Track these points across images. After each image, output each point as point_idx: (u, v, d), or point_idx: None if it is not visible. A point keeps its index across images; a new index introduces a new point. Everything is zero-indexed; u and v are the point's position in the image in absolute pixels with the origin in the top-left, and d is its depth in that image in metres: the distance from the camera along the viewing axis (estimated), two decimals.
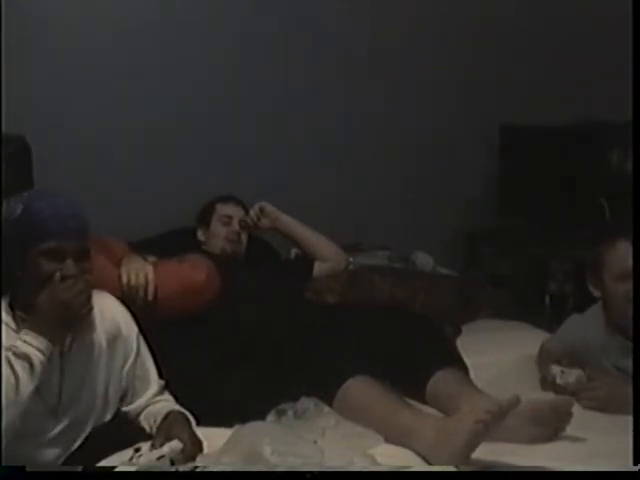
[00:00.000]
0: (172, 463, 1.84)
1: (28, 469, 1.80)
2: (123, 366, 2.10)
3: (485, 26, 3.97)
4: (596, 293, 2.56)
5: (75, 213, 1.99)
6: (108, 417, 2.07)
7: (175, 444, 1.87)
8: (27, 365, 1.85)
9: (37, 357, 1.87)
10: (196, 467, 1.88)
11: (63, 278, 1.92)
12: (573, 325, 2.67)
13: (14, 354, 1.86)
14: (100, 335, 2.06)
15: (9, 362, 1.85)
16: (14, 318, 1.97)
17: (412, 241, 3.74)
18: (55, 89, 3.39)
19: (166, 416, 2.05)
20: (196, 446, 1.96)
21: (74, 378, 2.00)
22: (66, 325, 1.94)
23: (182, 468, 1.86)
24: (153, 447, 1.87)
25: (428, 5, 3.92)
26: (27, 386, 1.85)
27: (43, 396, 1.94)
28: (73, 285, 1.92)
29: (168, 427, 1.98)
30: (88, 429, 2.02)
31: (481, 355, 2.72)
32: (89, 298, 1.97)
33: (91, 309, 1.99)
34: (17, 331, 1.93)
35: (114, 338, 2.08)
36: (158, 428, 2.02)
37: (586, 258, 2.64)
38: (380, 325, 2.62)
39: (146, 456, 1.85)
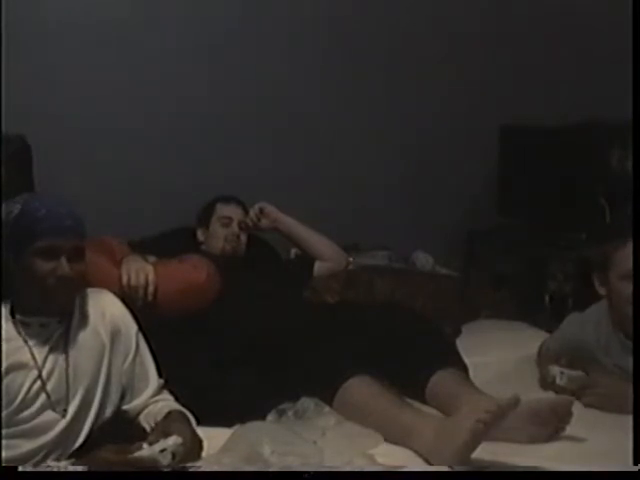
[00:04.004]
0: (173, 457, 1.85)
1: (20, 469, 1.81)
2: (123, 363, 2.11)
3: (485, 26, 3.97)
4: (601, 291, 2.55)
5: (71, 213, 2.01)
6: (108, 415, 2.07)
7: (175, 438, 1.88)
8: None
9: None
10: (194, 467, 1.89)
11: (57, 278, 1.94)
12: (573, 323, 2.68)
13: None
14: (103, 331, 2.07)
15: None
16: (15, 325, 1.98)
17: (412, 241, 3.74)
18: (55, 89, 3.39)
19: (166, 415, 2.06)
20: (196, 444, 1.97)
21: (79, 374, 2.01)
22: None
23: (181, 468, 1.87)
24: (150, 443, 1.87)
25: (428, 4, 3.92)
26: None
27: (49, 391, 1.97)
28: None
29: (167, 424, 1.99)
30: (88, 427, 2.02)
31: (481, 355, 2.72)
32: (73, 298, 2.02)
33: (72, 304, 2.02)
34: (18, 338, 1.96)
35: (115, 335, 2.10)
36: (156, 424, 2.03)
37: (594, 255, 2.63)
38: (380, 325, 2.62)
39: (148, 449, 1.85)
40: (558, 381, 2.48)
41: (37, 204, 1.98)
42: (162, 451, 1.84)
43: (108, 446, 1.89)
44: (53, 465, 1.85)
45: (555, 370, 2.50)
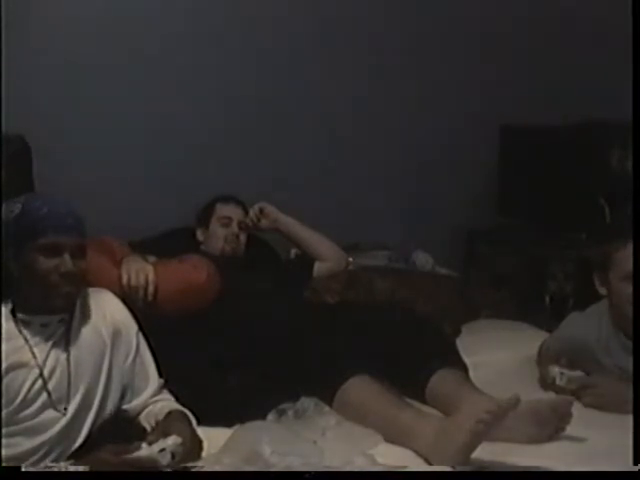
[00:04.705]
0: (172, 457, 1.85)
1: (24, 469, 1.81)
2: (124, 363, 2.11)
3: (485, 26, 3.97)
4: (602, 291, 2.56)
5: (71, 212, 2.03)
6: (108, 414, 2.07)
7: (175, 438, 1.88)
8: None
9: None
10: (195, 467, 1.89)
11: (61, 274, 1.95)
12: (573, 323, 2.68)
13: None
14: (104, 331, 2.08)
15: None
16: (16, 324, 1.98)
17: (412, 241, 3.74)
18: (55, 89, 3.39)
19: (167, 415, 2.06)
20: (196, 444, 1.97)
21: (80, 373, 2.02)
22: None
23: (182, 468, 1.87)
24: (150, 443, 1.87)
25: (428, 5, 3.92)
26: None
27: (50, 390, 1.97)
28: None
29: (167, 424, 1.99)
30: (88, 426, 2.02)
31: (481, 355, 2.72)
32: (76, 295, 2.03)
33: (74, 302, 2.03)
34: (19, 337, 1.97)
35: (116, 335, 2.10)
36: (157, 423, 2.03)
37: (594, 255, 2.64)
38: (380, 325, 2.62)
39: (147, 449, 1.85)
40: (558, 382, 2.48)
41: (38, 203, 2.00)
42: (161, 451, 1.85)
43: (107, 446, 1.89)
44: (55, 465, 1.86)
45: (555, 371, 2.50)
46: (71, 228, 2.00)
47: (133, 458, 1.83)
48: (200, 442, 2.00)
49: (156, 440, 1.88)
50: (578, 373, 2.47)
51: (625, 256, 2.44)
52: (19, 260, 1.96)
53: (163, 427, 1.98)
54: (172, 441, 1.87)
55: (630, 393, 2.16)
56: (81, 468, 1.80)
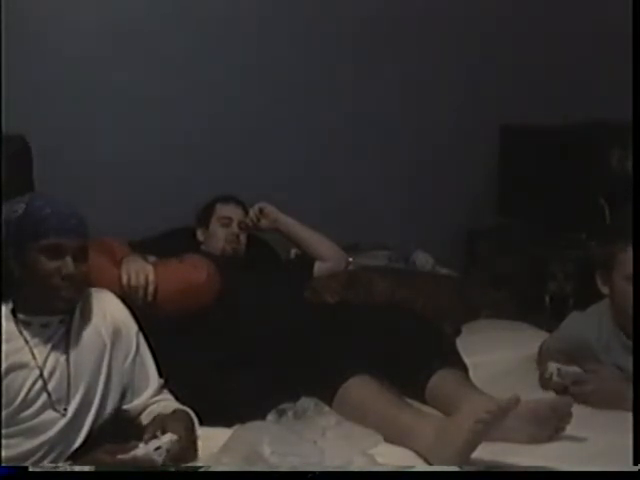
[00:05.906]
0: (167, 454, 1.85)
1: (31, 469, 1.81)
2: (123, 363, 2.11)
3: (485, 26, 3.97)
4: (604, 290, 2.56)
5: (74, 213, 2.03)
6: (108, 414, 2.07)
7: (170, 436, 1.88)
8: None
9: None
10: (197, 467, 1.89)
11: (63, 277, 1.95)
12: (574, 322, 2.68)
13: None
14: (104, 331, 2.08)
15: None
16: (16, 324, 1.98)
17: (412, 241, 3.74)
18: (55, 89, 3.40)
19: (170, 414, 2.06)
20: (192, 444, 1.97)
21: (80, 374, 2.02)
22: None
23: (183, 468, 1.87)
24: (147, 441, 1.87)
25: (428, 5, 3.92)
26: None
27: (50, 390, 1.97)
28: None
29: (166, 421, 1.99)
30: (88, 426, 2.02)
31: (481, 355, 2.72)
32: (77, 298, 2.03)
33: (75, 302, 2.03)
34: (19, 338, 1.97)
35: (116, 335, 2.10)
36: (156, 416, 2.03)
37: (598, 254, 2.64)
38: (380, 325, 2.62)
39: (143, 448, 1.85)
40: (555, 378, 2.47)
41: (41, 203, 2.00)
42: (157, 449, 1.85)
43: (105, 447, 1.89)
44: (61, 465, 1.86)
45: (552, 367, 2.49)
46: (73, 230, 1.99)
47: (129, 458, 1.83)
48: (195, 442, 1.99)
49: (152, 436, 1.89)
50: (575, 369, 2.47)
51: (630, 256, 2.44)
52: (20, 260, 1.96)
53: (162, 422, 1.98)
54: (168, 439, 1.87)
55: (625, 391, 2.16)
56: (87, 468, 1.80)
